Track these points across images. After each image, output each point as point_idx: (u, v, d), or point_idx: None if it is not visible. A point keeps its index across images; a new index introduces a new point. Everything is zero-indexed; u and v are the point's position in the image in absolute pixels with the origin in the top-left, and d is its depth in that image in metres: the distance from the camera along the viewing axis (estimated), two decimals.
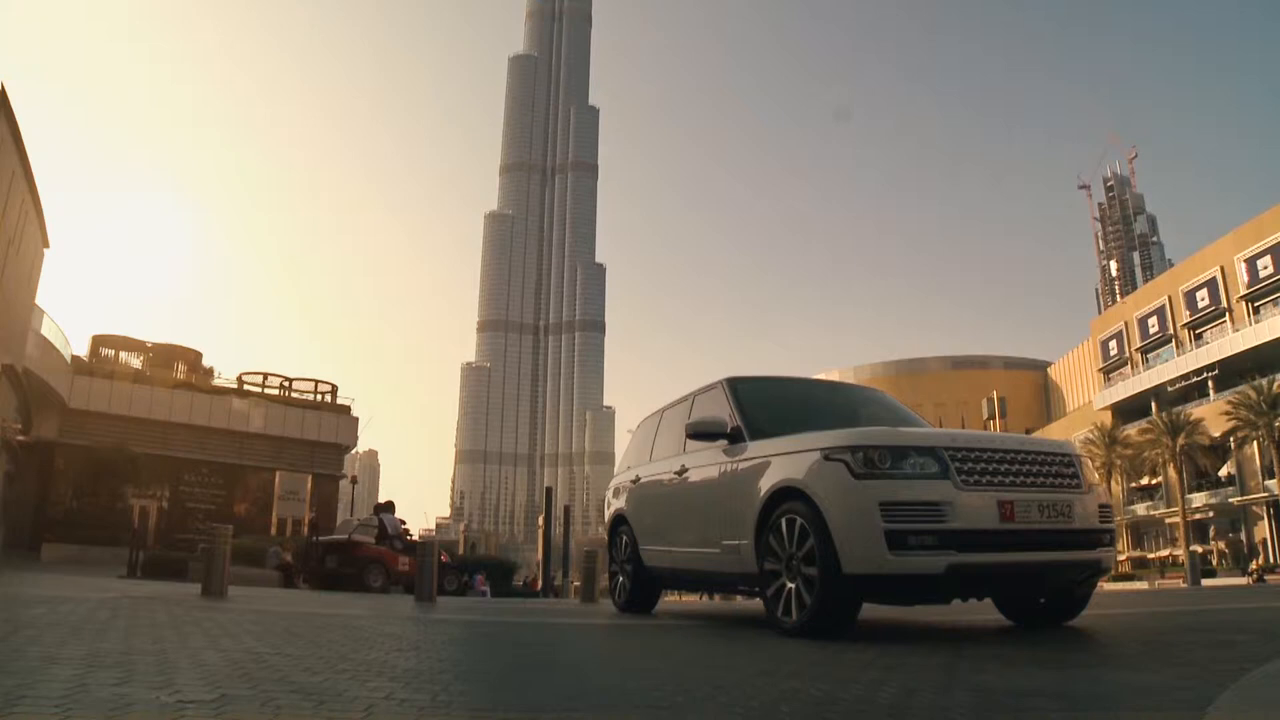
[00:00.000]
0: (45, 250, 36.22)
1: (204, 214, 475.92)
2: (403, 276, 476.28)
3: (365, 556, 22.23)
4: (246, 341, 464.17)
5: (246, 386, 54.16)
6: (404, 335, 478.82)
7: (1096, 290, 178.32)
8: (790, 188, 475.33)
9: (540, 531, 50.92)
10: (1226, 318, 56.48)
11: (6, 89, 27.58)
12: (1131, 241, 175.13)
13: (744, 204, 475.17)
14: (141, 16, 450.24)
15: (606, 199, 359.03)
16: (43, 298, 36.79)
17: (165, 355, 52.69)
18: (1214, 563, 50.71)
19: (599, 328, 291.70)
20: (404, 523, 24.55)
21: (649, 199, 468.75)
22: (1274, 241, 52.10)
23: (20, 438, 37.86)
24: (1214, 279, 57.42)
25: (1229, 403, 49.98)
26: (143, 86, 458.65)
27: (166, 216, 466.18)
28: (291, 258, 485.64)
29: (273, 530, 46.43)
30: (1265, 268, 52.77)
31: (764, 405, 6.82)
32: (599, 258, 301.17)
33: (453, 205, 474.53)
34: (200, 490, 48.75)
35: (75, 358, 45.21)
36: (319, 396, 56.78)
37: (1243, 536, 52.92)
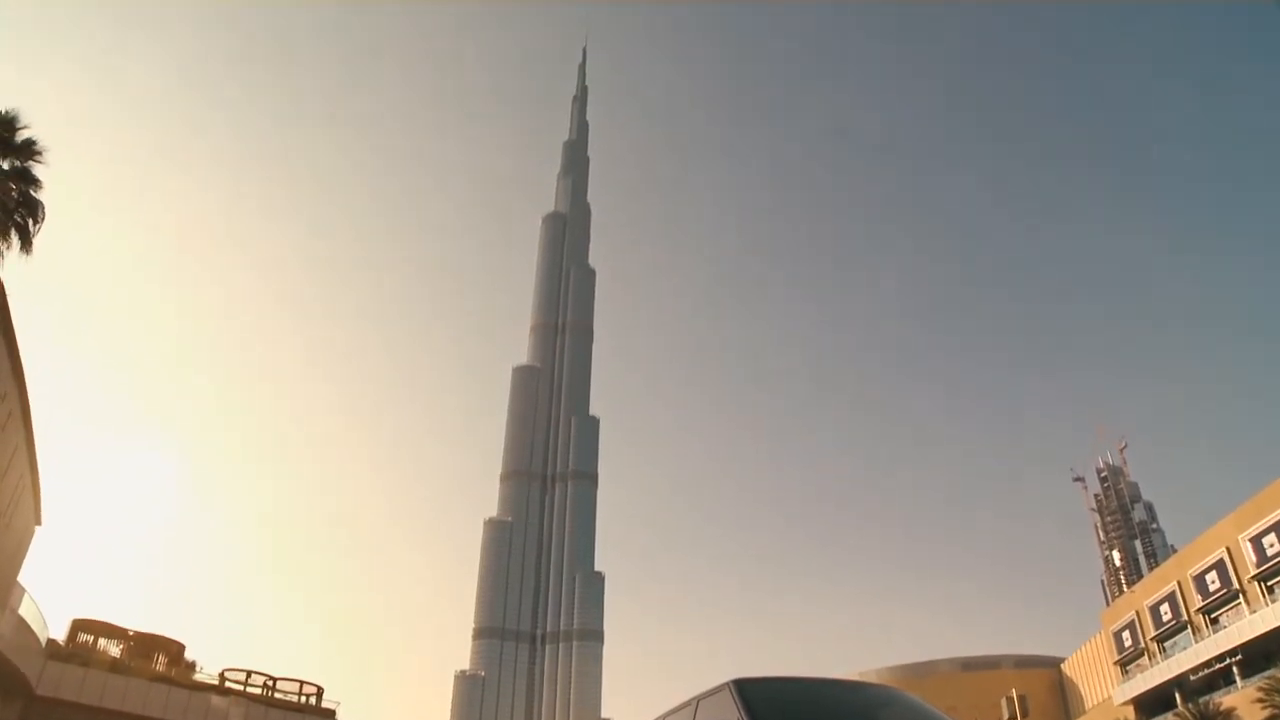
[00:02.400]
0: (37, 527, 35.94)
1: (203, 503, 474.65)
2: (401, 577, 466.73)
3: None
4: (233, 633, 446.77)
5: (229, 684, 52.01)
6: (398, 638, 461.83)
7: (1102, 581, 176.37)
8: (792, 489, 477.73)
9: None
10: (1241, 599, 55.07)
11: (24, 366, 28.50)
12: (1131, 530, 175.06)
13: (746, 506, 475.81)
14: (146, 285, 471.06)
15: (606, 507, 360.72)
16: (27, 575, 36.08)
17: (146, 645, 50.89)
18: None
19: (597, 637, 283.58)
20: None
21: (650, 506, 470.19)
22: (1277, 519, 51.75)
23: None
24: (1221, 560, 56.58)
25: (1261, 689, 47.54)
26: (147, 358, 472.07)
27: (164, 498, 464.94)
28: (287, 552, 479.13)
29: None
30: (1272, 545, 52.11)
31: (777, 710, 6.38)
32: (598, 566, 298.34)
33: (454, 510, 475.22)
34: None
35: (51, 641, 43.65)
36: (303, 699, 54.72)
37: None
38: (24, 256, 29.72)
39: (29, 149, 30.32)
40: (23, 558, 35.36)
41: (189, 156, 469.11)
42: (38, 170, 30.53)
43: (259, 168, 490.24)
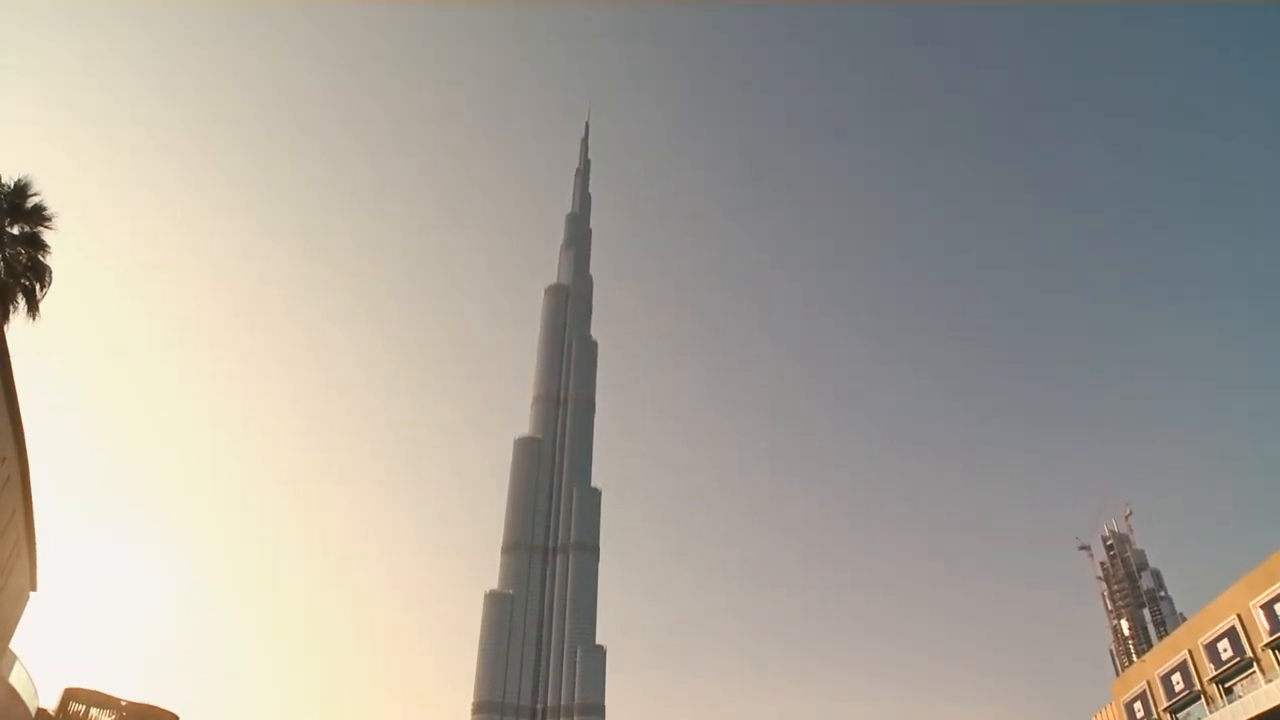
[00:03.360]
0: (32, 592, 35.46)
1: (200, 569, 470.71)
2: (401, 650, 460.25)
3: None
4: (231, 702, 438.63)
5: None
6: (399, 711, 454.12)
7: (1111, 651, 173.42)
8: (797, 565, 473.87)
9: None
10: (1255, 668, 53.97)
11: (24, 426, 28.36)
12: (1139, 598, 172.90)
13: (750, 580, 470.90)
14: (149, 353, 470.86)
15: (608, 580, 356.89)
16: (20, 641, 35.50)
17: (139, 715, 49.75)
18: None
19: (599, 711, 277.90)
20: None
21: (652, 579, 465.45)
22: None
23: None
24: (1233, 628, 55.61)
25: None
26: (145, 427, 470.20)
27: (162, 565, 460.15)
28: (286, 620, 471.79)
29: None
30: None
31: None
32: (599, 639, 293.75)
33: (454, 581, 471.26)
34: None
35: (41, 710, 42.73)
36: None
37: None
38: (30, 320, 29.81)
39: (38, 215, 30.60)
40: (15, 624, 34.82)
41: (195, 234, 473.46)
42: (46, 236, 30.79)
43: (270, 249, 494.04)
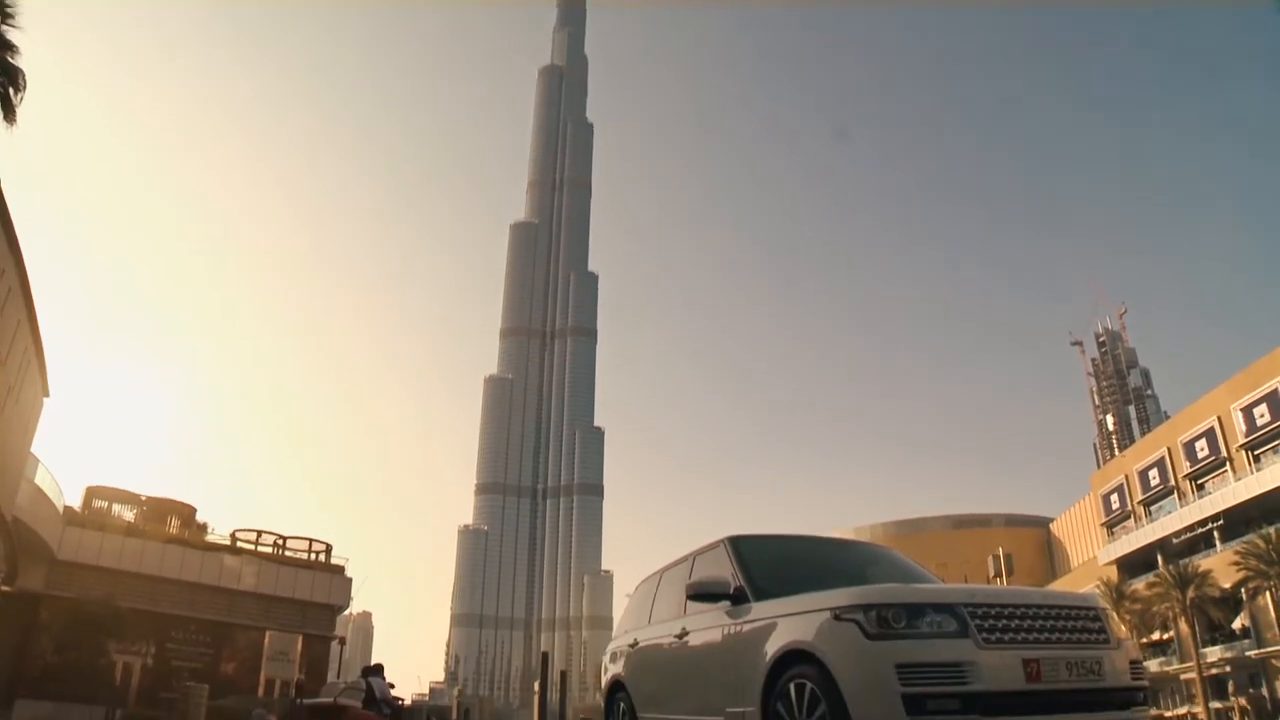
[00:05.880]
0: (45, 398, 36.32)
1: (203, 370, 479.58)
2: (402, 436, 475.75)
3: None
4: (241, 498, 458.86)
5: (239, 543, 53.52)
6: (402, 496, 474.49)
7: (1094, 444, 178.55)
8: (788, 348, 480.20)
9: (536, 697, 49.22)
10: (1227, 467, 56.16)
11: (18, 237, 28.21)
12: (1126, 395, 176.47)
13: (742, 365, 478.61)
14: (143, 163, 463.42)
15: (605, 363, 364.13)
16: (39, 445, 36.68)
17: (158, 509, 52.13)
18: None
19: (597, 491, 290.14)
20: (393, 686, 23.73)
21: (648, 362, 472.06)
22: (1268, 390, 52.27)
23: (4, 589, 37.12)
24: (1212, 429, 57.41)
25: (1237, 553, 49.05)
26: (144, 235, 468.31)
27: (165, 370, 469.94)
28: (291, 415, 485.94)
29: (260, 691, 45.17)
30: (1262, 416, 52.79)
31: (768, 564, 6.56)
32: (597, 421, 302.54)
33: (453, 367, 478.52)
34: (187, 648, 47.35)
35: (67, 508, 44.76)
36: (313, 555, 56.06)
37: (1264, 692, 51.15)
38: (8, 127, 29.00)
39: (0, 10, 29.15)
40: (34, 429, 35.81)
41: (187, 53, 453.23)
42: (12, 35, 29.40)
43: (255, 53, 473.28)
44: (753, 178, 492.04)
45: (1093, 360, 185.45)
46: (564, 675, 50.88)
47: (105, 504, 50.10)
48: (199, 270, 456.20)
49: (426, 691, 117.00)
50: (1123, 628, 5.64)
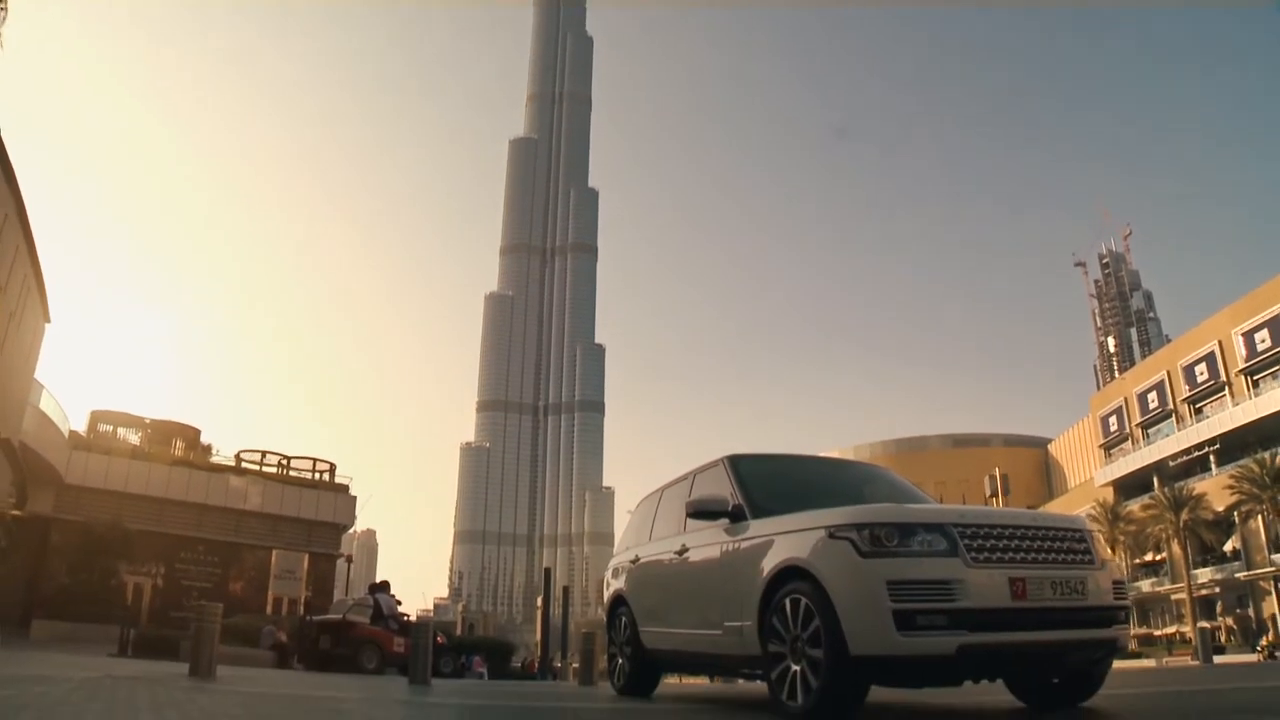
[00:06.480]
0: (46, 325, 36.33)
1: (205, 294, 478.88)
2: (403, 356, 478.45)
3: (359, 637, 21.92)
4: (244, 419, 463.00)
5: (244, 464, 53.87)
6: (404, 414, 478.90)
7: (1095, 366, 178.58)
8: (788, 266, 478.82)
9: (539, 613, 50.21)
10: (1226, 392, 56.50)
11: (13, 164, 27.92)
12: (1128, 318, 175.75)
13: (743, 283, 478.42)
14: (138, 91, 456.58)
15: (606, 280, 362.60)
16: (42, 372, 36.79)
17: (163, 431, 52.44)
18: (1222, 639, 49.91)
19: (598, 408, 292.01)
20: (399, 603, 24.21)
21: (648, 280, 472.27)
22: (1270, 315, 52.31)
23: (14, 513, 37.56)
24: (1212, 353, 57.57)
25: (1232, 477, 49.64)
26: (142, 163, 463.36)
27: (168, 294, 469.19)
28: (292, 337, 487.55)
29: (268, 609, 45.78)
30: (1263, 341, 52.90)
31: (766, 483, 6.68)
32: (598, 338, 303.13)
33: (454, 285, 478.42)
34: (195, 568, 48.10)
35: (73, 433, 44.99)
36: (317, 475, 56.47)
37: (1251, 612, 52.22)
38: None
39: None
40: (37, 355, 35.89)
41: None
42: None
43: None
44: (754, 95, 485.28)
45: (1095, 282, 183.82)
46: (566, 591, 52.11)
47: (110, 428, 50.36)
48: (198, 193, 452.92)
49: (431, 607, 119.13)
50: (1108, 549, 5.80)
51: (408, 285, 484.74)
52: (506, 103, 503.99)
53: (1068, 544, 5.26)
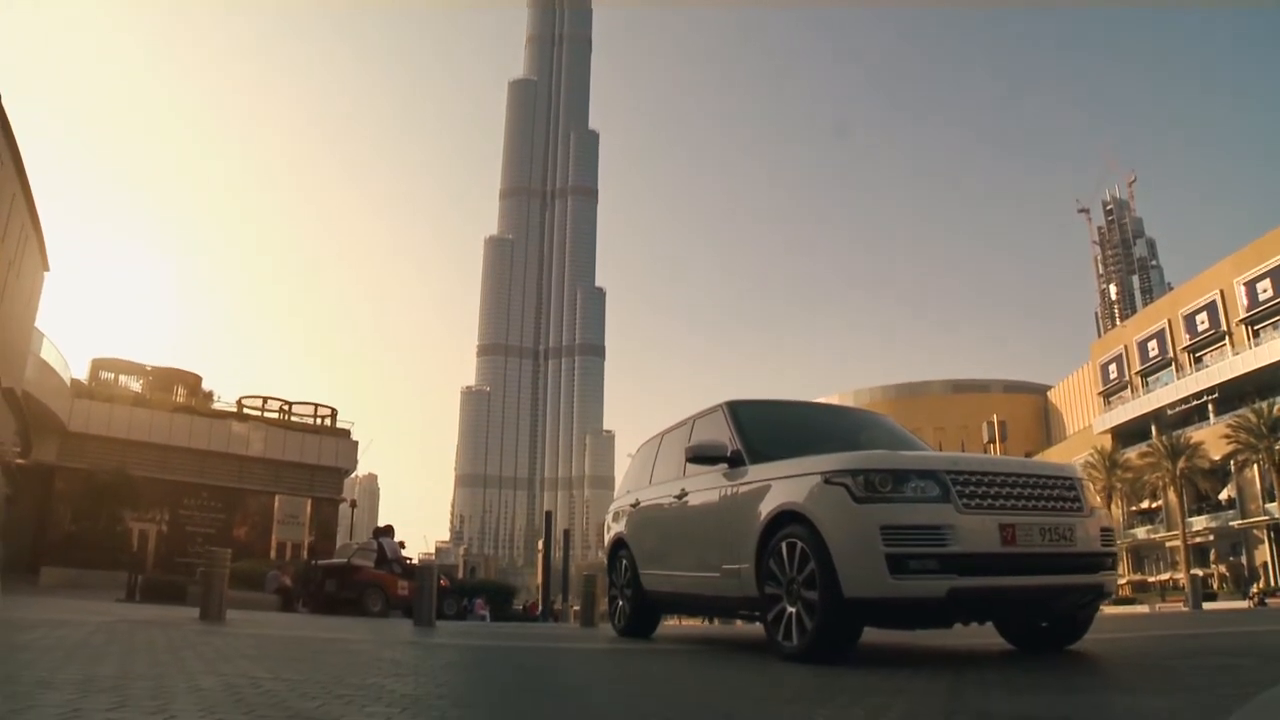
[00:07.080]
0: (45, 273, 36.27)
1: (204, 241, 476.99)
2: (403, 300, 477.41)
3: (364, 581, 22.20)
4: (246, 366, 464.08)
5: (246, 410, 53.97)
6: (404, 359, 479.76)
7: (1096, 314, 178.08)
8: (789, 212, 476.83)
9: (540, 555, 50.67)
10: (1226, 341, 56.53)
11: (8, 113, 27.69)
12: (1131, 265, 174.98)
13: (744, 228, 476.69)
14: (139, 40, 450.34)
15: (606, 223, 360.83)
16: (43, 320, 36.77)
17: (165, 379, 52.52)
18: (1215, 586, 50.58)
19: (599, 352, 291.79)
20: (403, 546, 24.51)
21: (649, 223, 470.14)
22: (1273, 265, 52.16)
23: (19, 461, 37.78)
24: (1214, 302, 57.50)
25: (1229, 426, 49.92)
26: (141, 108, 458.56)
27: (167, 242, 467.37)
28: (291, 283, 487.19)
29: (272, 554, 46.31)
30: (1265, 291, 52.82)
31: (764, 429, 6.79)
32: (599, 282, 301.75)
33: (453, 229, 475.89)
34: (199, 514, 48.49)
35: (75, 381, 45.05)
36: (319, 420, 56.59)
37: (1243, 560, 52.83)
38: None
39: None
40: (37, 304, 35.84)
41: None
42: None
43: None
44: (758, 40, 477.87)
45: (1099, 229, 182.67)
46: (567, 534, 52.46)
47: (112, 376, 50.37)
48: (196, 141, 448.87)
49: (433, 551, 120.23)
50: (1097, 497, 5.94)
51: (407, 230, 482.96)
52: (505, 44, 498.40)
53: (1058, 491, 5.38)
